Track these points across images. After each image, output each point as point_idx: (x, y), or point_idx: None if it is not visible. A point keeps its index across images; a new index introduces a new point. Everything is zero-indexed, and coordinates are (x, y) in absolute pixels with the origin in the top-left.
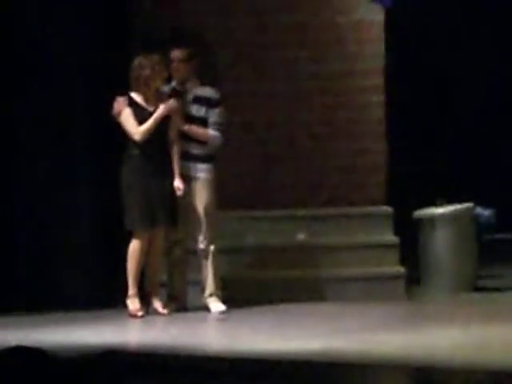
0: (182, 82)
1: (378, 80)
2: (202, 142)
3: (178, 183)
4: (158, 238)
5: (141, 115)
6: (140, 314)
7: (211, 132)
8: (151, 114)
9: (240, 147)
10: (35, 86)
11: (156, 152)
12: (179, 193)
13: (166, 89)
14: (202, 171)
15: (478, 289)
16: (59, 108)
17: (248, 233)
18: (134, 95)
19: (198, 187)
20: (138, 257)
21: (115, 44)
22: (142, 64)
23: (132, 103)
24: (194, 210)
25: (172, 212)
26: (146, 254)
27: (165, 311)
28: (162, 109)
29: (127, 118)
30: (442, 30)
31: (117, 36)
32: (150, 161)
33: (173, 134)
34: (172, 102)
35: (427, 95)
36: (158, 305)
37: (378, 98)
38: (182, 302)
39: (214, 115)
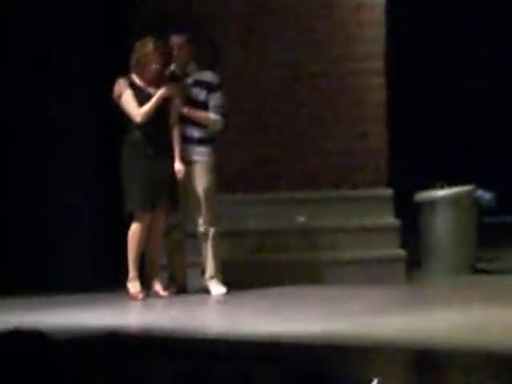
0: (182, 67)
1: (379, 63)
2: (201, 126)
3: (178, 166)
4: (158, 220)
5: (141, 97)
6: (140, 296)
7: (212, 115)
8: (151, 96)
9: (241, 131)
10: (35, 85)
11: (157, 135)
12: (180, 175)
13: (166, 73)
14: (201, 154)
15: (477, 271)
16: (59, 107)
17: (249, 217)
18: (135, 77)
19: (197, 170)
20: (138, 239)
21: (116, 33)
22: (138, 49)
23: (133, 85)
24: (193, 192)
25: (173, 195)
26: (146, 237)
27: (166, 294)
28: (162, 91)
29: (128, 100)
30: (444, 15)
31: (117, 25)
32: (150, 143)
33: (173, 117)
34: (172, 86)
35: (428, 78)
36: (158, 287)
37: (379, 80)
38: (182, 285)
39: (214, 99)
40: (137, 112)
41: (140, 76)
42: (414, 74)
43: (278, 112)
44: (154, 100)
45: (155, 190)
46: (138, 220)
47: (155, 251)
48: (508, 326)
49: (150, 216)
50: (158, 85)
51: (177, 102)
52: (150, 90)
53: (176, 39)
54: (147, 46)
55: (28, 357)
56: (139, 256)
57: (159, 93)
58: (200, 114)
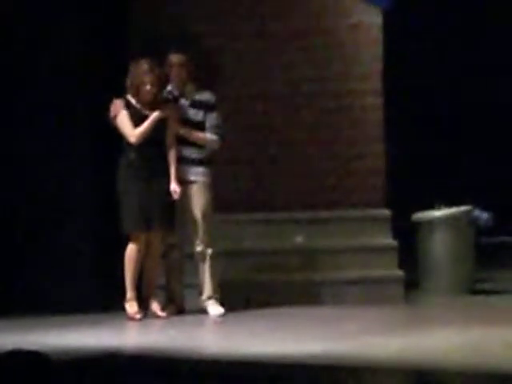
0: (180, 87)
1: (377, 83)
2: (199, 146)
3: (174, 187)
4: (154, 241)
5: (137, 118)
6: (138, 316)
7: (209, 135)
8: (147, 117)
9: (239, 150)
10: (35, 88)
11: (153, 155)
12: (175, 196)
13: (163, 94)
14: (199, 175)
15: (476, 292)
16: (59, 111)
17: (246, 237)
18: (131, 98)
19: (195, 190)
20: (134, 260)
21: (115, 48)
22: (132, 71)
23: (128, 106)
24: (191, 213)
25: (168, 215)
26: (143, 258)
27: (163, 314)
28: (157, 113)
29: (123, 121)
30: (441, 33)
31: (117, 39)
32: (146, 164)
33: (169, 137)
34: (168, 107)
35: (426, 98)
36: (156, 308)
37: (377, 100)
38: (179, 305)
39: (211, 119)
40: (132, 133)
41: (135, 97)
42: (412, 92)
43: (276, 131)
44: (149, 121)
45: (150, 211)
46: (134, 241)
47: (152, 272)
48: (507, 346)
49: (146, 237)
50: (153, 106)
51: (173, 122)
52: (146, 110)
53: (175, 58)
54: (142, 68)
55: (27, 378)
56: (136, 276)
57: (154, 114)
58: (197, 135)
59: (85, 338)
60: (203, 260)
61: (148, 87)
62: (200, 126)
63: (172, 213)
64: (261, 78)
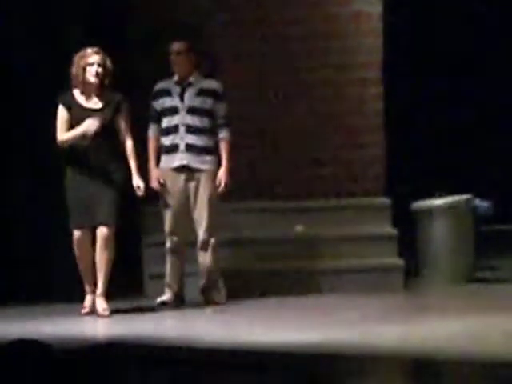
0: (184, 75)
1: (377, 72)
2: (207, 134)
3: (137, 182)
4: (101, 236)
5: (79, 114)
6: (82, 311)
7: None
8: (92, 111)
9: (239, 139)
10: (34, 85)
11: (97, 149)
12: (139, 193)
13: (164, 84)
14: (207, 163)
15: (475, 280)
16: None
17: (246, 226)
18: (76, 91)
19: (202, 179)
20: (78, 256)
21: (114, 42)
22: (75, 61)
23: (72, 101)
24: (196, 201)
25: (108, 209)
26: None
27: (106, 313)
28: (83, 127)
29: (59, 118)
30: (443, 21)
31: (116, 33)
32: (88, 159)
33: (122, 134)
34: (93, 121)
35: (426, 87)
36: (99, 305)
37: (377, 90)
38: (179, 294)
39: (222, 109)
40: (59, 135)
41: (79, 89)
42: (412, 83)
43: (276, 120)
44: (78, 131)
45: (88, 207)
46: (74, 237)
47: (101, 265)
48: (507, 335)
49: (86, 233)
50: (98, 97)
51: (123, 118)
52: (90, 104)
53: (175, 46)
54: (84, 58)
55: (29, 367)
56: (88, 272)
57: (81, 128)
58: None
59: (85, 327)
60: (205, 249)
61: (91, 78)
62: (208, 114)
63: (113, 205)
64: (260, 67)
